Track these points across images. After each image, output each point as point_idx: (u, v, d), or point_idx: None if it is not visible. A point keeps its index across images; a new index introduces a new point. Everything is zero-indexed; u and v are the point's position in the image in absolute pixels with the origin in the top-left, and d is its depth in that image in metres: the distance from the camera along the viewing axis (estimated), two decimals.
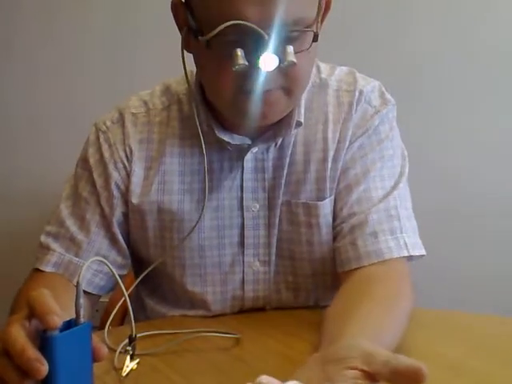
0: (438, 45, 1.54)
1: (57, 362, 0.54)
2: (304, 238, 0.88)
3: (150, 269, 0.86)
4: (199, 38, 0.72)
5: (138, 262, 0.96)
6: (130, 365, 0.70)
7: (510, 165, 1.58)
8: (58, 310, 0.54)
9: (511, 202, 1.58)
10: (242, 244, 0.89)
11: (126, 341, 0.71)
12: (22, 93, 1.66)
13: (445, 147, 1.58)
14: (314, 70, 0.89)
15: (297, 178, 0.87)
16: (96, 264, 0.85)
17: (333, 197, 0.86)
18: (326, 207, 0.86)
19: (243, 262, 0.89)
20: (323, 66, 0.91)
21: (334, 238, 0.86)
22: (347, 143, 0.86)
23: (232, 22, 0.68)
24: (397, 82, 1.55)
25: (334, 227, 0.87)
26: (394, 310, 0.73)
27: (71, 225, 0.87)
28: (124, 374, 0.68)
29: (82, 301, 0.57)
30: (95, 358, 0.58)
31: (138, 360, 0.71)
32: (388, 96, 0.89)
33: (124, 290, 0.66)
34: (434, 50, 1.54)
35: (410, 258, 0.84)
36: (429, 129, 1.57)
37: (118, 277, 0.66)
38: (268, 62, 0.70)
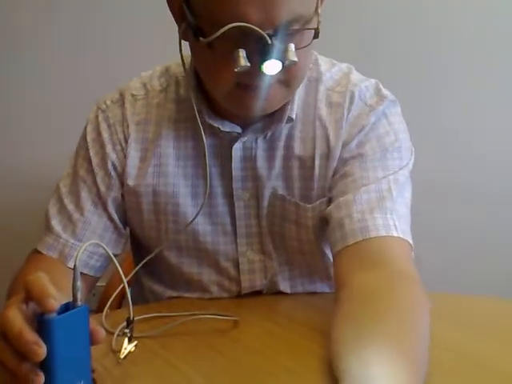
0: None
1: (54, 344, 0.54)
2: (294, 234, 0.88)
3: (149, 257, 0.86)
4: (200, 39, 0.70)
5: (135, 243, 0.96)
6: (128, 347, 0.70)
7: None
8: (56, 293, 0.54)
9: None
10: (234, 233, 0.89)
11: (124, 324, 0.71)
12: (22, 70, 1.64)
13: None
14: (311, 63, 0.87)
15: (291, 173, 0.86)
16: (91, 246, 0.85)
17: (325, 199, 0.84)
18: (314, 210, 0.85)
19: (237, 250, 0.89)
20: (322, 61, 0.89)
21: (326, 221, 0.84)
22: (340, 143, 0.84)
23: (236, 24, 0.66)
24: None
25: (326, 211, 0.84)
26: (417, 330, 0.64)
27: (68, 203, 0.87)
28: (122, 357, 0.68)
29: (79, 284, 0.57)
30: (93, 340, 0.58)
31: (135, 342, 0.71)
32: (385, 92, 0.87)
33: (122, 275, 0.65)
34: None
35: (411, 247, 0.79)
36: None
37: (116, 262, 0.66)
38: (271, 67, 0.69)
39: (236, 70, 0.69)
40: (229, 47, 0.69)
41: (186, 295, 0.92)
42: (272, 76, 0.72)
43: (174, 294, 0.93)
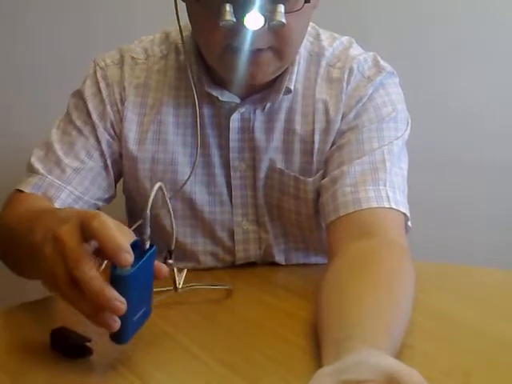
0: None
1: (129, 295, 0.54)
2: (292, 207, 0.88)
3: (139, 222, 0.85)
4: None
5: (130, 209, 0.96)
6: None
7: None
8: (127, 245, 0.53)
9: None
10: (231, 203, 0.89)
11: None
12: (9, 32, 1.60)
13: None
14: (313, 38, 0.88)
15: (291, 147, 0.86)
16: (78, 191, 0.83)
17: (322, 171, 0.85)
18: (315, 183, 0.85)
19: (233, 221, 0.89)
20: (324, 35, 0.89)
21: (319, 194, 0.85)
22: (340, 116, 0.84)
23: None
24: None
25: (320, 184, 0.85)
26: (398, 295, 0.64)
27: (58, 149, 0.85)
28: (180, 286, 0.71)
29: (148, 230, 0.56)
30: (156, 275, 0.59)
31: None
32: (383, 64, 0.87)
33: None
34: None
35: (406, 218, 0.80)
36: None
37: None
38: (253, 20, 0.69)
39: (221, 24, 0.69)
40: (215, 1, 0.69)
41: (181, 265, 0.92)
42: (261, 39, 0.72)
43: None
